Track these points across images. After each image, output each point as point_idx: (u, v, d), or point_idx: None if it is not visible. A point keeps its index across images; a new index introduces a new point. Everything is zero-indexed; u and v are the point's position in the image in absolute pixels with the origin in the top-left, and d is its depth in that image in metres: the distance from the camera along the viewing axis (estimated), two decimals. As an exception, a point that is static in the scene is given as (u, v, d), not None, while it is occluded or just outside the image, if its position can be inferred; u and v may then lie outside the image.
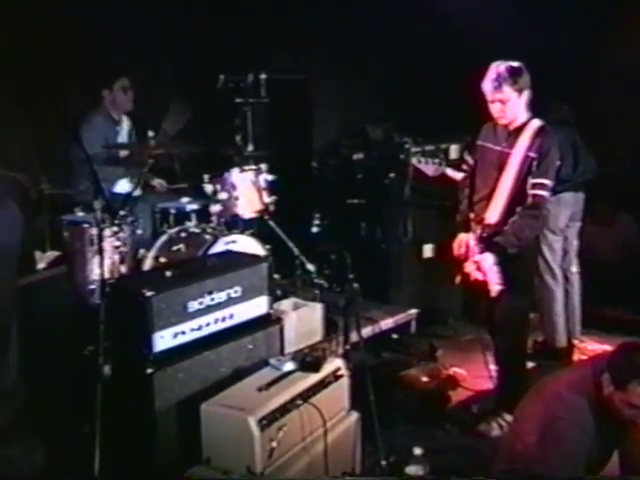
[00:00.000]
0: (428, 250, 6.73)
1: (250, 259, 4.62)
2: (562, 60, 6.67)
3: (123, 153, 6.24)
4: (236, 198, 5.70)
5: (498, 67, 4.65)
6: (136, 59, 6.73)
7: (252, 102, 6.34)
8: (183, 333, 3.90)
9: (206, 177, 5.77)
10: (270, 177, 5.94)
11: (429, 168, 5.34)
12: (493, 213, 4.70)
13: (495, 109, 4.70)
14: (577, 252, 6.09)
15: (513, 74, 4.63)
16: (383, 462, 4.13)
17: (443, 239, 5.41)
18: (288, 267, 6.09)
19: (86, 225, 5.06)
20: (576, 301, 6.10)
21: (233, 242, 5.29)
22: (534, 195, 4.62)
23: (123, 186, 5.97)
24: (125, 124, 6.38)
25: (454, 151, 6.70)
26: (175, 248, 5.31)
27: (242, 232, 5.53)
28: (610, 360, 3.38)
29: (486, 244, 4.70)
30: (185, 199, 5.83)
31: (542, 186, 4.63)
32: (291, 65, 7.83)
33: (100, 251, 4.40)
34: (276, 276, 5.29)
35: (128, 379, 3.84)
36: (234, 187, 5.70)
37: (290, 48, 7.82)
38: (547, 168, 4.65)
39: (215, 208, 5.63)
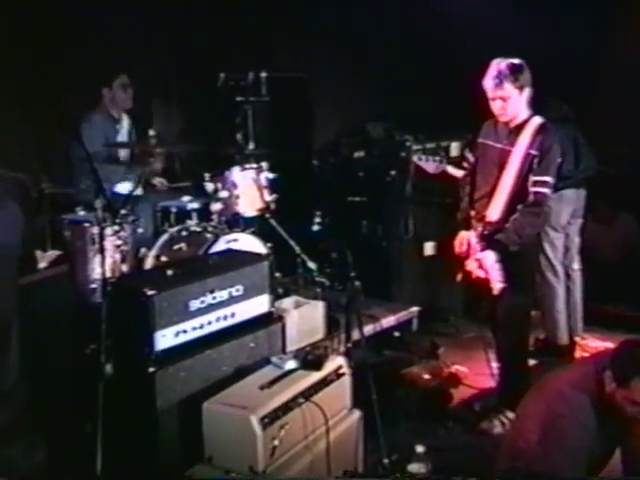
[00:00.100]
0: (429, 248, 6.74)
1: (251, 257, 4.62)
2: (562, 60, 6.66)
3: (123, 152, 6.25)
4: (237, 196, 5.69)
5: (499, 64, 4.64)
6: (136, 58, 6.73)
7: (253, 100, 6.33)
8: (185, 332, 3.89)
9: (207, 176, 5.76)
10: (271, 175, 5.94)
11: (430, 165, 5.32)
12: (494, 211, 4.70)
13: (496, 106, 4.69)
14: (578, 249, 6.09)
15: (514, 71, 4.62)
16: (385, 460, 4.12)
17: (444, 237, 5.41)
18: (289, 265, 6.08)
19: (87, 224, 5.06)
20: (578, 298, 6.10)
21: (234, 241, 5.28)
22: (535, 192, 4.62)
23: (124, 186, 5.96)
24: (125, 122, 6.38)
25: (455, 149, 6.71)
26: (176, 247, 5.30)
27: (243, 230, 5.52)
28: (612, 357, 3.38)
29: (487, 242, 4.69)
30: (186, 198, 5.83)
31: (543, 183, 4.63)
32: (291, 64, 7.83)
33: (101, 250, 4.40)
34: (277, 274, 5.28)
35: (130, 378, 3.84)
36: (235, 185, 5.70)
37: (290, 47, 7.82)
38: (548, 165, 4.65)
39: (216, 207, 5.63)
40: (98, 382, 3.71)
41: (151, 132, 5.57)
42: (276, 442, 3.53)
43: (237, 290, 4.16)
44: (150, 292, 3.75)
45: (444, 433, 4.89)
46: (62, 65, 6.17)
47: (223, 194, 5.68)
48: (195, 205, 5.70)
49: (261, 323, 4.30)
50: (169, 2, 7.05)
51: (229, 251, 5.00)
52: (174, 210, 5.69)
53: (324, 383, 3.94)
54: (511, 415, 4.64)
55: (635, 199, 6.79)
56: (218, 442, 3.59)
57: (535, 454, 3.30)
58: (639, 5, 6.76)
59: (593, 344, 6.03)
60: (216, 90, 6.33)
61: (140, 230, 5.39)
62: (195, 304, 3.94)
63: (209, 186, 5.73)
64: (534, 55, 4.84)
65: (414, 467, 3.59)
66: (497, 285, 4.66)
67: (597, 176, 5.97)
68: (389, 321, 6.27)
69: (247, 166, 5.87)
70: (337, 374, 4.06)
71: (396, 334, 6.34)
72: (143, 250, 5.34)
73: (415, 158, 5.44)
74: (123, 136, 6.34)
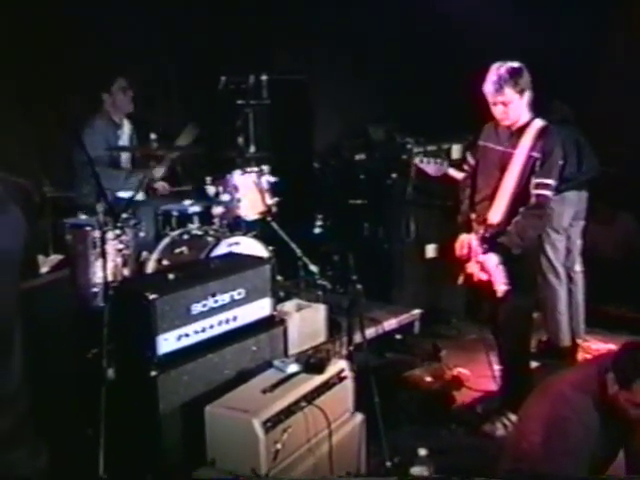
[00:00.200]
0: (431, 250, 6.74)
1: (253, 261, 4.61)
2: (562, 60, 6.66)
3: (125, 156, 6.25)
4: (238, 200, 5.70)
5: (498, 69, 4.64)
6: (136, 59, 6.73)
7: (254, 104, 6.34)
8: (187, 336, 3.89)
9: (208, 179, 5.77)
10: (272, 179, 5.95)
11: (431, 168, 5.33)
12: (496, 213, 4.69)
13: (498, 111, 4.69)
14: (580, 251, 6.09)
15: (514, 75, 4.61)
16: (388, 463, 4.13)
17: (446, 239, 5.41)
18: (291, 268, 6.09)
19: (89, 228, 5.05)
20: (580, 300, 6.10)
21: (236, 244, 5.28)
22: (538, 195, 4.62)
23: (127, 193, 5.95)
24: (126, 127, 6.37)
25: (456, 151, 6.71)
26: (178, 250, 5.30)
27: (245, 234, 5.52)
28: (614, 359, 3.38)
29: (489, 244, 4.69)
30: (187, 201, 5.82)
31: (545, 186, 4.63)
32: (291, 64, 7.84)
33: (103, 254, 4.40)
34: (279, 278, 5.28)
35: (132, 382, 3.83)
36: (236, 189, 5.71)
37: (290, 47, 7.83)
38: (550, 168, 4.65)
39: (217, 210, 5.64)
40: (100, 386, 3.71)
41: (152, 136, 5.57)
42: (279, 446, 3.53)
43: (239, 293, 4.17)
44: (152, 296, 3.75)
45: (447, 435, 4.88)
46: (62, 65, 6.16)
47: (224, 197, 5.69)
48: (196, 208, 5.70)
49: (263, 326, 4.30)
50: (169, 2, 7.05)
51: (231, 254, 5.00)
52: (175, 214, 5.68)
53: (326, 386, 3.94)
54: (513, 417, 4.64)
55: (635, 199, 6.78)
56: (220, 446, 3.58)
57: (538, 456, 3.30)
58: (639, 5, 6.75)
59: (595, 346, 6.03)
60: (217, 93, 6.33)
61: (142, 234, 5.38)
62: (197, 308, 3.94)
63: (210, 189, 5.74)
64: (534, 55, 4.84)
65: (417, 470, 3.59)
66: (501, 287, 4.66)
67: (598, 176, 5.97)
68: (391, 324, 6.27)
69: (248, 169, 5.89)
70: (339, 377, 4.06)
71: (398, 337, 6.34)
72: (145, 254, 5.34)
73: (416, 160, 5.45)
74: (124, 141, 6.34)
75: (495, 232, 4.68)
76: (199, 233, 5.45)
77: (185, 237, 5.40)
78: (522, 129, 4.71)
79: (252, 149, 6.23)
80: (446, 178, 5.46)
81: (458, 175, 5.35)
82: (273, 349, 4.29)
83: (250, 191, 5.80)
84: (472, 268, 4.78)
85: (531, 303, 5.09)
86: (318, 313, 5.41)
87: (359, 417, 4.13)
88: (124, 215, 5.09)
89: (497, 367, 5.16)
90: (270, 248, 5.49)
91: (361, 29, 7.82)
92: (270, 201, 5.89)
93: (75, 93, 6.19)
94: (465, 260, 4.83)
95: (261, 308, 4.31)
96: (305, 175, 7.55)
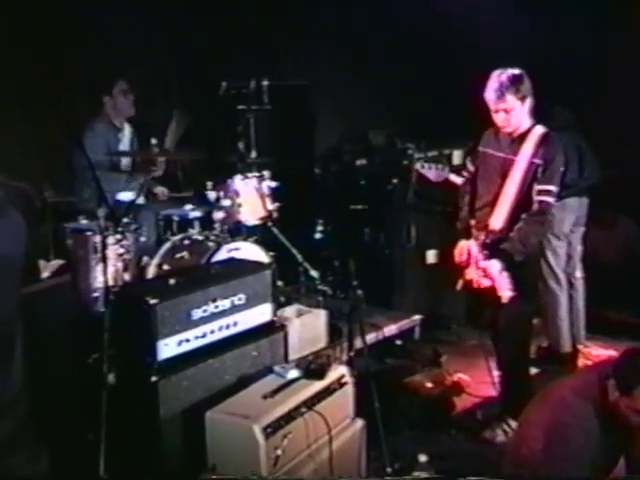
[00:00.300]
0: (431, 256, 6.73)
1: (254, 266, 4.62)
2: (562, 61, 6.67)
3: (125, 160, 6.25)
4: (239, 205, 5.70)
5: (499, 76, 4.63)
6: (136, 59, 6.73)
7: (255, 109, 6.34)
8: (187, 341, 3.89)
9: (209, 184, 5.77)
10: (273, 184, 5.95)
11: (432, 173, 5.33)
12: (497, 219, 4.69)
13: (499, 118, 4.69)
14: (581, 257, 6.08)
15: (515, 82, 4.61)
16: (388, 469, 4.12)
17: (446, 244, 5.39)
18: (292, 274, 6.09)
19: (90, 233, 5.06)
20: (580, 306, 6.09)
21: (236, 249, 5.28)
22: (540, 201, 4.62)
23: (127, 194, 5.96)
24: (127, 131, 6.38)
25: (457, 157, 6.70)
26: (178, 255, 5.30)
27: (245, 239, 5.52)
28: (615, 366, 3.38)
29: (491, 250, 4.69)
30: (188, 206, 5.83)
31: (547, 192, 4.63)
32: (292, 66, 7.85)
33: (104, 259, 4.40)
34: (280, 283, 5.28)
35: (132, 387, 3.83)
36: (237, 194, 5.70)
37: (290, 49, 7.84)
38: (552, 174, 4.65)
39: (218, 215, 5.63)
40: (101, 391, 3.71)
41: (153, 141, 5.58)
42: (279, 451, 3.53)
43: (239, 299, 4.17)
44: (153, 301, 3.75)
45: (447, 441, 4.88)
46: (62, 66, 6.17)
47: (225, 202, 5.68)
48: (197, 213, 5.70)
49: (263, 332, 4.30)
50: (169, 2, 7.05)
51: (231, 260, 5.00)
52: (176, 219, 5.68)
53: (327, 392, 3.94)
54: (514, 424, 4.64)
55: (636, 204, 6.77)
56: (221, 451, 3.58)
57: (539, 462, 3.30)
58: (639, 5, 6.75)
59: (596, 352, 6.01)
60: (218, 98, 6.34)
61: (142, 239, 5.38)
62: (197, 313, 3.94)
63: (211, 194, 5.73)
64: (534, 55, 4.84)
65: (417, 476, 3.58)
66: (506, 293, 4.65)
67: (599, 183, 5.96)
68: (391, 329, 6.26)
69: (249, 174, 5.88)
70: (340, 383, 4.05)
71: (398, 342, 6.34)
72: (145, 259, 5.34)
73: (418, 166, 5.44)
74: (125, 145, 6.35)
75: (496, 238, 4.68)
76: (200, 238, 5.45)
77: (186, 242, 5.40)
78: (523, 136, 4.71)
79: (253, 154, 6.22)
80: (447, 184, 5.45)
81: (459, 181, 5.34)
82: (273, 354, 4.29)
83: (251, 196, 5.80)
84: (472, 274, 4.77)
85: (532, 309, 5.09)
86: (319, 318, 5.41)
87: (359, 423, 4.13)
88: (125, 220, 5.10)
89: (496, 373, 5.15)
90: (271, 253, 5.49)
91: (363, 35, 7.83)
92: (271, 206, 5.89)
93: (75, 93, 6.20)
94: (464, 266, 4.83)
95: (262, 313, 4.31)
96: (306, 180, 7.55)
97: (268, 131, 6.83)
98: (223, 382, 3.98)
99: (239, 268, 4.51)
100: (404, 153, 6.73)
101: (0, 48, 5.65)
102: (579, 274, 6.07)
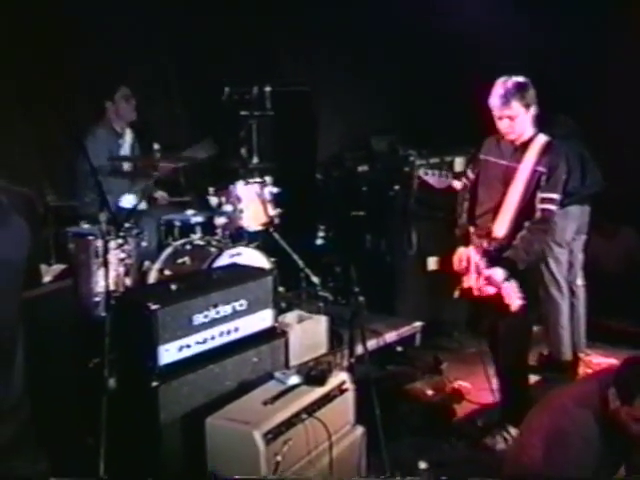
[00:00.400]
0: (432, 263, 6.73)
1: (255, 272, 4.62)
2: (562, 61, 6.67)
3: (127, 166, 6.25)
4: (241, 211, 5.71)
5: (505, 83, 4.64)
6: (136, 59, 6.73)
7: (257, 114, 6.35)
8: (188, 346, 3.90)
9: (211, 190, 5.78)
10: (275, 189, 5.96)
11: (435, 180, 5.32)
12: (500, 227, 4.68)
13: (503, 125, 4.68)
14: (582, 265, 6.08)
15: (520, 89, 4.61)
16: (389, 475, 4.12)
17: (447, 251, 5.39)
18: (293, 280, 6.09)
19: (91, 237, 5.06)
20: (581, 314, 6.08)
21: (238, 255, 5.29)
22: (543, 209, 4.62)
23: (128, 199, 5.97)
24: (128, 137, 6.38)
25: (459, 164, 6.70)
26: (180, 261, 5.31)
27: (247, 245, 5.53)
28: (616, 374, 3.37)
29: (493, 258, 4.69)
30: (190, 211, 5.84)
31: (550, 200, 4.63)
32: (293, 71, 7.85)
33: (105, 263, 4.39)
34: (281, 289, 5.30)
35: (133, 392, 3.84)
36: (239, 199, 5.71)
37: (292, 54, 7.85)
38: (556, 183, 4.65)
39: (220, 221, 5.64)
40: (101, 396, 3.70)
41: (156, 146, 5.58)
42: (279, 458, 3.53)
43: (241, 305, 4.17)
44: (154, 306, 3.75)
45: (447, 448, 4.87)
46: (62, 66, 6.17)
47: (227, 208, 5.69)
48: (199, 219, 5.71)
49: (264, 338, 4.30)
50: (169, 2, 7.05)
51: (233, 265, 5.00)
52: (178, 224, 5.69)
53: (327, 399, 3.95)
54: (514, 431, 4.64)
55: (637, 213, 6.77)
56: (221, 457, 3.59)
57: (539, 470, 3.29)
58: (639, 5, 6.76)
59: (597, 360, 6.01)
60: (220, 104, 6.34)
61: (144, 243, 5.39)
62: (199, 318, 3.95)
63: (213, 200, 5.74)
64: (534, 55, 4.82)
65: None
66: (516, 302, 4.63)
67: (601, 191, 5.96)
68: (392, 336, 6.25)
69: (251, 180, 5.90)
70: (340, 389, 4.06)
71: (399, 349, 6.33)
72: (147, 263, 5.35)
73: (421, 172, 5.43)
74: (126, 150, 6.34)
75: (499, 246, 4.68)
76: (201, 243, 5.45)
77: (187, 247, 5.41)
78: (526, 144, 4.71)
79: (255, 160, 6.24)
80: (450, 190, 5.45)
81: (460, 187, 5.34)
82: (274, 360, 4.29)
83: (253, 202, 5.81)
84: (471, 281, 4.76)
85: (533, 317, 5.08)
86: (319, 325, 5.41)
87: (360, 429, 4.13)
88: (127, 224, 5.10)
89: (495, 380, 5.14)
90: (272, 259, 5.50)
91: (365, 42, 7.84)
92: (272, 212, 5.90)
93: (75, 93, 6.20)
94: (464, 273, 4.82)
95: (262, 319, 4.31)
96: (307, 186, 7.56)
97: (270, 137, 6.84)
98: (224, 388, 3.98)
99: (240, 274, 4.52)
100: (406, 160, 6.73)
101: (0, 48, 5.66)
102: (580, 282, 6.07)
